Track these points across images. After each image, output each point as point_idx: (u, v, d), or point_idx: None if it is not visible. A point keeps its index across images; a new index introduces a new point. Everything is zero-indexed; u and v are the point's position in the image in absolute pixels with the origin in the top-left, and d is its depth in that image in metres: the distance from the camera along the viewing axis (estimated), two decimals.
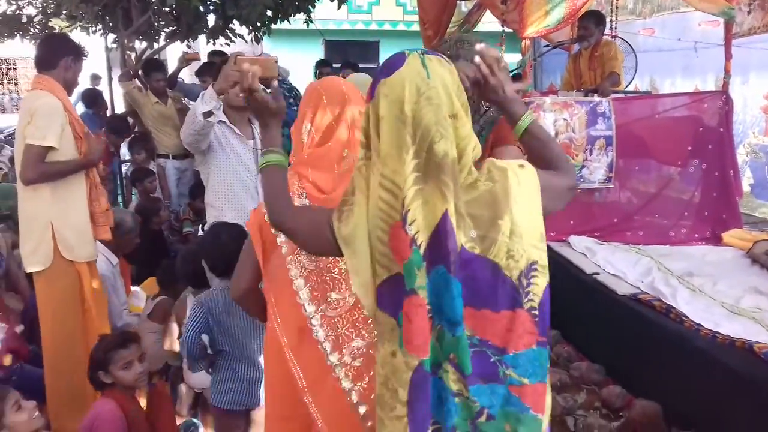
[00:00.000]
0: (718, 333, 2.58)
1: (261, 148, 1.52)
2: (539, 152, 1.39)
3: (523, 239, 1.19)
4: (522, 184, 1.22)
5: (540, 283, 1.21)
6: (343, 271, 1.67)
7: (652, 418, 2.57)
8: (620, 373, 2.97)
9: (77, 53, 2.94)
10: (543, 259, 1.22)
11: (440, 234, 1.14)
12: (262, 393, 2.34)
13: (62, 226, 2.82)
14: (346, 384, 1.60)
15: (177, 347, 3.19)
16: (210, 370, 2.59)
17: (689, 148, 4.10)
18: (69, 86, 2.92)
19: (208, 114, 2.66)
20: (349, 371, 1.61)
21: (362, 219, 1.20)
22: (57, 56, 2.85)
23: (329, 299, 1.66)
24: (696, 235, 3.94)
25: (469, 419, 1.17)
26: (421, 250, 1.14)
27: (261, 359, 2.29)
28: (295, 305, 1.65)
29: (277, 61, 2.35)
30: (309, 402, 1.64)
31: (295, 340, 1.67)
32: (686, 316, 2.75)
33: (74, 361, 2.80)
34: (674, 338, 2.71)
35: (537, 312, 1.20)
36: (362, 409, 1.58)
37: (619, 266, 3.40)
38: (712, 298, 2.97)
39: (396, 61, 1.19)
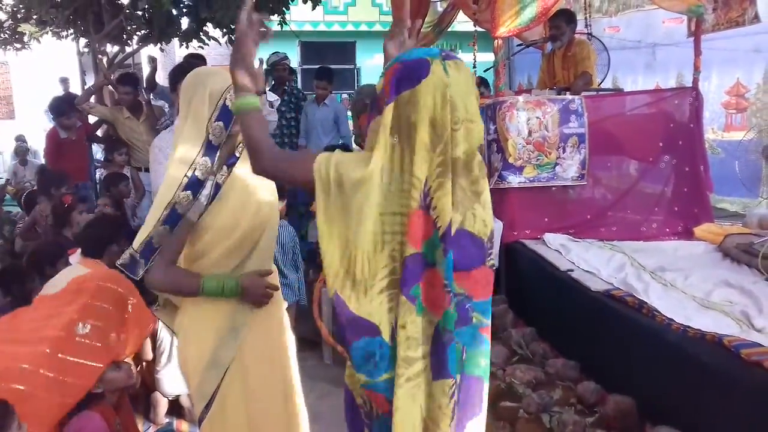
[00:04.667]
0: (689, 327, 2.60)
1: (236, 89, 1.50)
2: None
3: (488, 211, 1.44)
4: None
5: (495, 247, 1.50)
6: None
7: (627, 412, 2.59)
8: (595, 369, 2.99)
9: None
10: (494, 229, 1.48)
11: (449, 224, 1.35)
12: None
13: None
14: None
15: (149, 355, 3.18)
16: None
17: (660, 144, 4.15)
18: None
19: None
20: None
21: (375, 186, 1.35)
22: None
23: None
24: (667, 230, 4.00)
25: (459, 359, 1.39)
26: (440, 233, 1.34)
27: None
28: None
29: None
30: None
31: None
32: (658, 311, 2.77)
33: None
34: (647, 333, 2.73)
35: (494, 269, 1.48)
36: None
37: (593, 263, 3.43)
38: (684, 292, 3.00)
39: (420, 69, 1.33)
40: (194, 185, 1.84)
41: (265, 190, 2.00)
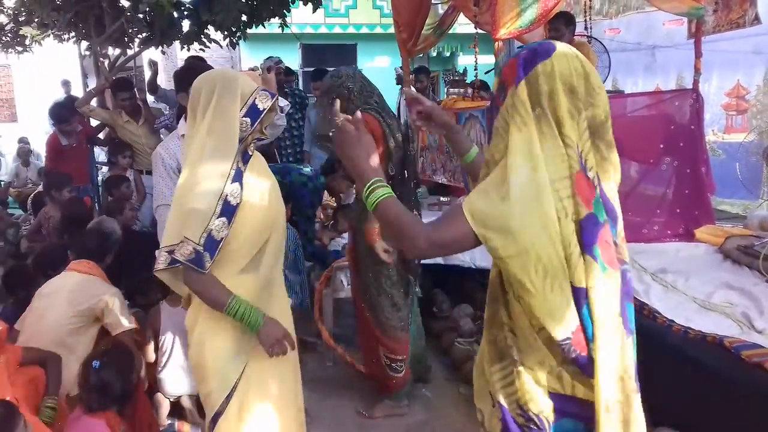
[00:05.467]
0: (690, 328, 2.61)
1: (364, 181, 1.43)
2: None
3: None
4: None
5: None
6: None
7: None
8: None
9: None
10: None
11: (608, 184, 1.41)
12: None
13: None
14: None
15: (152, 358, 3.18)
16: None
17: (661, 146, 4.15)
18: None
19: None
20: None
21: (538, 173, 1.35)
22: None
23: None
24: (669, 232, 3.99)
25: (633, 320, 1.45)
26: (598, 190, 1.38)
27: None
28: None
29: (255, 69, 2.34)
30: None
31: None
32: (659, 313, 2.78)
33: None
34: (647, 335, 2.73)
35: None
36: None
37: None
38: (685, 294, 3.01)
39: (548, 46, 1.40)
40: (238, 177, 1.94)
41: (274, 188, 2.11)
